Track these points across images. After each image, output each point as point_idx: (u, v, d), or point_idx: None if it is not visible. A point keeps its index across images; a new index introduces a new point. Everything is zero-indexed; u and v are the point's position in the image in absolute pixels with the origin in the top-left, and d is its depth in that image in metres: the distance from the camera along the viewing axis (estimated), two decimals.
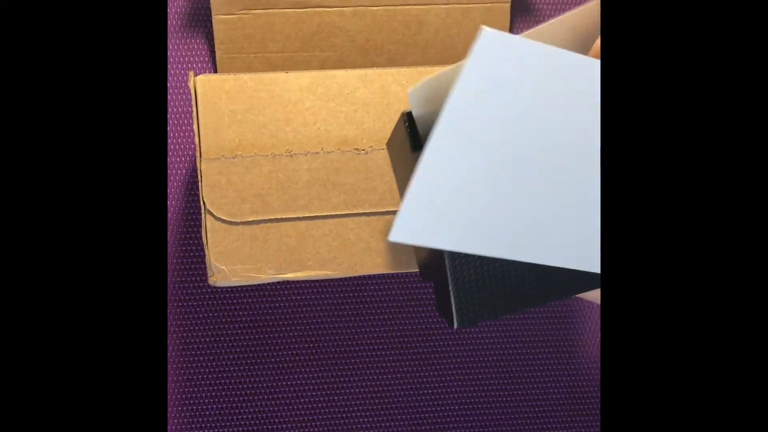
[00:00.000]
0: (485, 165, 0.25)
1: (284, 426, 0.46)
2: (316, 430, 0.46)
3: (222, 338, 0.45)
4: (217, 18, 0.41)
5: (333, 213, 0.36)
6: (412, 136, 0.29)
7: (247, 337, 0.45)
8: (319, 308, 0.45)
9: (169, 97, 0.44)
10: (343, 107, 0.36)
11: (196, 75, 0.35)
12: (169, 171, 0.44)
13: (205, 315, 0.44)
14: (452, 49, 0.43)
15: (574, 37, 0.28)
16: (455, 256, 0.28)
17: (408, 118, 0.29)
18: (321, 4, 0.41)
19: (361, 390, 0.46)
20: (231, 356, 0.45)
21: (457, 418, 0.47)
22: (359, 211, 0.36)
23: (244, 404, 0.45)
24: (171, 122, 0.44)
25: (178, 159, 0.44)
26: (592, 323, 0.48)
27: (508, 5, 0.43)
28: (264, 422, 0.45)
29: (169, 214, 0.44)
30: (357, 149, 0.36)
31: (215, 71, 0.43)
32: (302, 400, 0.46)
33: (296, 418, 0.46)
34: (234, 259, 0.35)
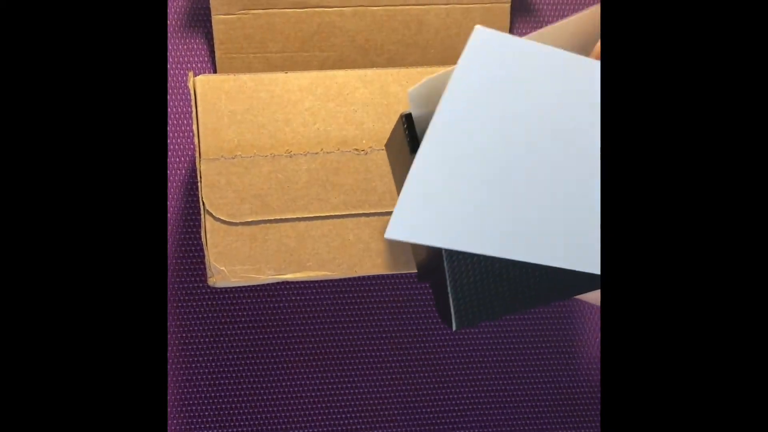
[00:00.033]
0: (481, 162, 0.25)
1: (284, 426, 0.46)
2: (315, 430, 0.46)
3: (221, 339, 0.45)
4: (216, 18, 0.41)
5: (332, 213, 0.36)
6: (410, 137, 0.29)
7: (246, 338, 0.45)
8: (318, 309, 0.45)
9: (168, 97, 0.44)
10: (343, 107, 0.36)
11: (195, 75, 0.35)
12: (168, 171, 0.44)
13: (205, 315, 0.44)
14: (452, 49, 0.43)
15: (573, 42, 0.28)
16: (453, 256, 0.28)
17: (407, 119, 0.29)
18: (321, 4, 0.41)
19: (361, 390, 0.46)
20: (230, 357, 0.45)
21: (457, 419, 0.47)
22: (359, 211, 0.36)
23: (243, 405, 0.45)
24: (170, 122, 0.44)
25: (178, 159, 0.44)
26: (592, 324, 0.48)
27: (507, 5, 0.43)
28: (264, 423, 0.45)
29: (168, 215, 0.44)
30: (356, 150, 0.36)
31: (215, 71, 0.43)
32: (302, 401, 0.46)
33: (296, 419, 0.46)
34: (233, 259, 0.35)
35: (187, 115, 0.44)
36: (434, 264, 0.30)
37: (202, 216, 0.35)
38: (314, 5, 0.41)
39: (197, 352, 0.44)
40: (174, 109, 0.44)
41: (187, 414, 0.45)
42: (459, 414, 0.47)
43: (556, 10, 0.46)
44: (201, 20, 0.43)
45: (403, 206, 0.25)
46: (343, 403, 0.46)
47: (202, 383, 0.45)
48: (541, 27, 0.46)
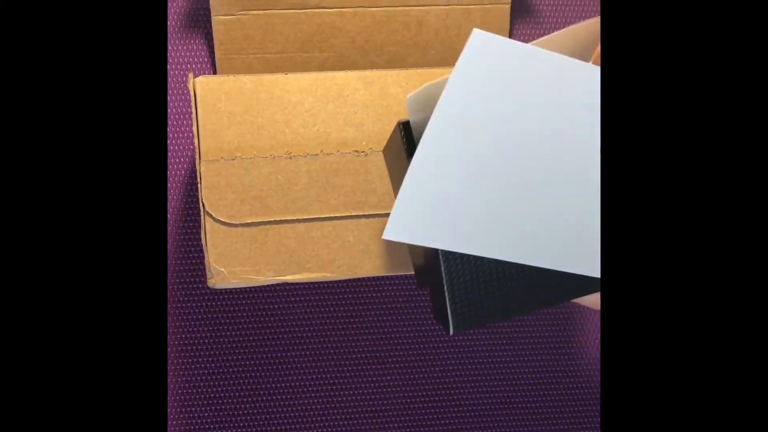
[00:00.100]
0: (478, 165, 0.25)
1: (284, 427, 0.46)
2: (315, 431, 0.46)
3: (221, 340, 0.45)
4: (216, 19, 0.41)
5: (332, 215, 0.36)
6: (407, 145, 0.29)
7: (246, 339, 0.45)
8: (318, 310, 0.45)
9: (168, 98, 0.43)
10: (343, 109, 0.36)
11: (195, 76, 0.35)
12: (168, 172, 0.43)
13: (205, 317, 0.44)
14: (452, 50, 0.43)
15: (572, 51, 0.28)
16: (450, 258, 0.28)
17: (404, 127, 0.29)
18: (320, 5, 0.41)
19: (361, 392, 0.46)
20: (230, 358, 0.45)
21: (457, 420, 0.47)
22: (359, 213, 0.36)
23: (243, 405, 0.45)
24: (170, 123, 0.44)
25: (178, 160, 0.44)
26: (592, 324, 0.48)
27: (508, 6, 0.43)
28: (264, 423, 0.45)
29: (168, 216, 0.44)
30: (356, 151, 0.36)
31: (214, 72, 0.43)
32: (301, 402, 0.46)
33: (296, 420, 0.46)
34: (233, 260, 0.35)
35: (187, 116, 0.44)
36: (431, 265, 0.30)
37: (202, 217, 0.35)
38: (314, 6, 0.41)
39: (197, 354, 0.44)
40: (174, 110, 0.44)
41: (186, 415, 0.45)
42: (459, 415, 0.47)
43: (556, 11, 0.46)
44: (201, 21, 0.43)
45: (401, 207, 0.25)
46: (343, 404, 0.46)
47: (202, 384, 0.45)
48: (541, 28, 0.46)
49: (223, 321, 0.44)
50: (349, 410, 0.46)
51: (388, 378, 0.46)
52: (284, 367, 0.45)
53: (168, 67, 0.43)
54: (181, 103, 0.44)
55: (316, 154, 0.36)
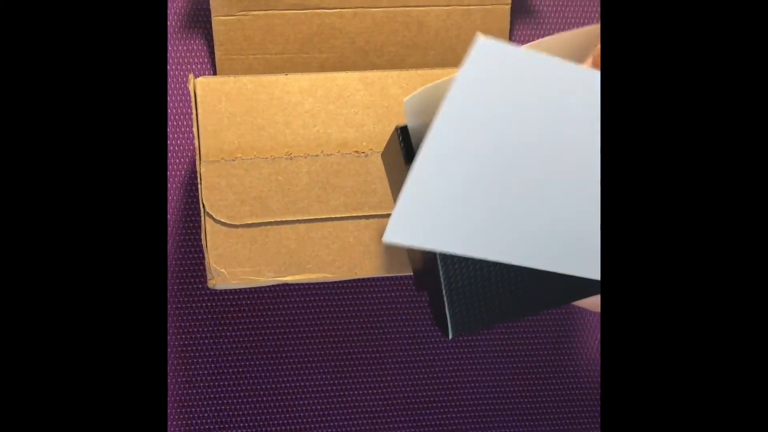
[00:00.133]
0: (479, 169, 0.25)
1: (283, 427, 0.46)
2: (315, 431, 0.46)
3: (221, 341, 0.45)
4: (216, 19, 0.41)
5: (333, 216, 0.36)
6: (405, 150, 0.29)
7: (246, 340, 0.45)
8: (318, 311, 0.45)
9: (168, 98, 0.43)
10: (343, 110, 0.36)
11: (195, 76, 0.35)
12: (168, 173, 0.43)
13: (205, 318, 0.44)
14: (452, 51, 0.43)
15: (571, 55, 0.28)
16: (449, 263, 0.28)
17: (402, 132, 0.29)
18: (320, 6, 0.41)
19: (361, 393, 0.46)
20: (230, 359, 0.45)
21: (457, 420, 0.47)
22: (359, 213, 0.36)
23: (243, 406, 0.45)
24: (170, 124, 0.44)
25: (178, 161, 0.44)
26: (592, 325, 0.48)
27: (508, 7, 0.43)
28: (263, 424, 0.45)
29: (168, 217, 0.44)
30: (357, 152, 0.36)
31: (215, 73, 0.43)
32: (301, 402, 0.46)
33: (295, 420, 0.46)
34: (233, 261, 0.35)
35: (187, 117, 0.44)
36: (430, 270, 0.30)
37: (202, 218, 0.35)
38: (314, 7, 0.41)
39: (197, 354, 0.44)
40: (174, 111, 0.44)
41: (186, 415, 0.45)
42: (459, 415, 0.47)
43: (556, 12, 0.46)
44: (201, 21, 0.43)
45: (402, 210, 0.25)
46: (343, 405, 0.46)
47: (202, 385, 0.45)
48: (541, 29, 0.46)
49: (223, 322, 0.44)
50: (349, 411, 0.46)
51: (389, 378, 0.46)
52: (284, 367, 0.45)
53: (168, 67, 0.43)
54: (181, 104, 0.44)
55: (317, 155, 0.36)
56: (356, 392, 0.46)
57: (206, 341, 0.44)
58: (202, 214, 0.35)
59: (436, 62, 0.43)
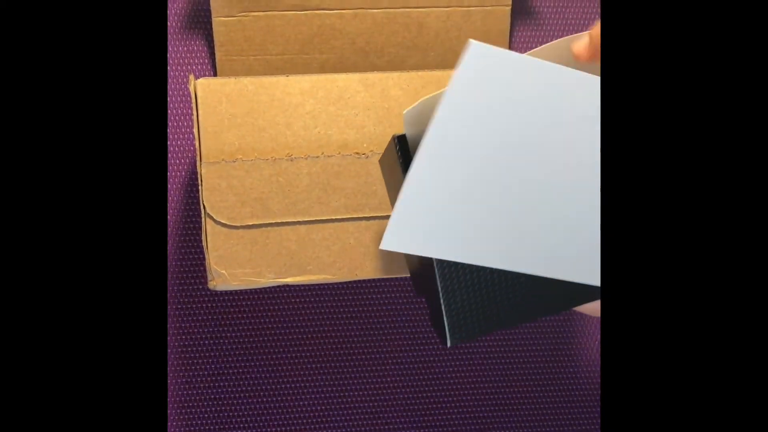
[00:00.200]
0: (474, 175, 0.25)
1: (283, 428, 0.46)
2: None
3: (221, 341, 0.45)
4: (217, 20, 0.41)
5: (333, 217, 0.36)
6: (403, 159, 0.29)
7: (246, 341, 0.45)
8: (318, 312, 0.45)
9: (168, 99, 0.43)
10: (344, 111, 0.36)
11: (196, 77, 0.35)
12: (168, 174, 0.43)
13: (205, 318, 0.44)
14: (452, 52, 0.43)
15: (569, 60, 0.28)
16: (446, 273, 0.28)
17: (399, 141, 0.29)
18: (321, 7, 0.41)
19: (361, 394, 0.46)
20: (230, 359, 0.45)
21: (457, 420, 0.47)
22: (359, 215, 0.36)
23: (243, 407, 0.45)
24: (171, 125, 0.44)
25: (178, 162, 0.44)
26: (592, 327, 0.48)
27: (508, 8, 0.43)
28: (263, 424, 0.45)
29: (169, 218, 0.44)
30: (357, 153, 0.36)
31: (215, 73, 0.43)
32: (301, 403, 0.46)
33: (295, 420, 0.46)
34: (234, 263, 0.35)
35: (188, 118, 0.44)
36: (428, 276, 0.30)
37: (203, 219, 0.35)
38: (314, 8, 0.41)
39: (197, 355, 0.44)
40: (174, 112, 0.44)
41: (187, 415, 0.45)
42: (459, 416, 0.47)
43: (556, 13, 0.46)
44: (201, 22, 0.43)
45: (398, 217, 0.25)
46: (343, 406, 0.46)
47: (202, 385, 0.45)
48: (541, 30, 0.46)
49: (223, 323, 0.44)
50: (349, 411, 0.46)
51: (388, 379, 0.46)
52: (284, 368, 0.45)
53: (168, 68, 0.43)
54: (181, 105, 0.44)
55: (317, 156, 0.36)
56: (356, 393, 0.46)
57: (206, 342, 0.44)
58: (202, 215, 0.35)
59: (437, 63, 0.43)
